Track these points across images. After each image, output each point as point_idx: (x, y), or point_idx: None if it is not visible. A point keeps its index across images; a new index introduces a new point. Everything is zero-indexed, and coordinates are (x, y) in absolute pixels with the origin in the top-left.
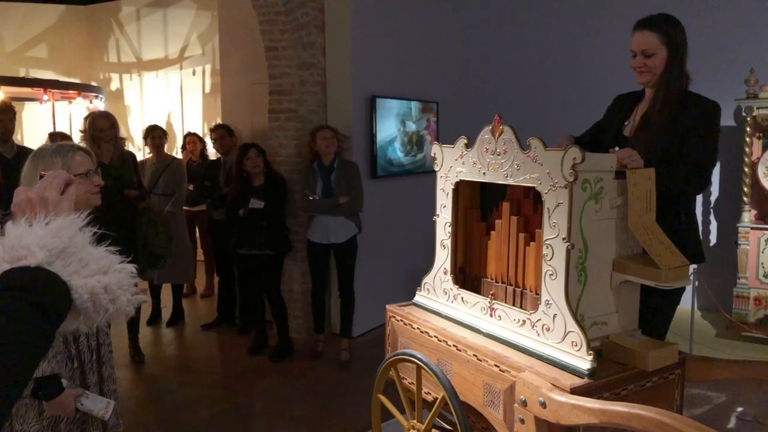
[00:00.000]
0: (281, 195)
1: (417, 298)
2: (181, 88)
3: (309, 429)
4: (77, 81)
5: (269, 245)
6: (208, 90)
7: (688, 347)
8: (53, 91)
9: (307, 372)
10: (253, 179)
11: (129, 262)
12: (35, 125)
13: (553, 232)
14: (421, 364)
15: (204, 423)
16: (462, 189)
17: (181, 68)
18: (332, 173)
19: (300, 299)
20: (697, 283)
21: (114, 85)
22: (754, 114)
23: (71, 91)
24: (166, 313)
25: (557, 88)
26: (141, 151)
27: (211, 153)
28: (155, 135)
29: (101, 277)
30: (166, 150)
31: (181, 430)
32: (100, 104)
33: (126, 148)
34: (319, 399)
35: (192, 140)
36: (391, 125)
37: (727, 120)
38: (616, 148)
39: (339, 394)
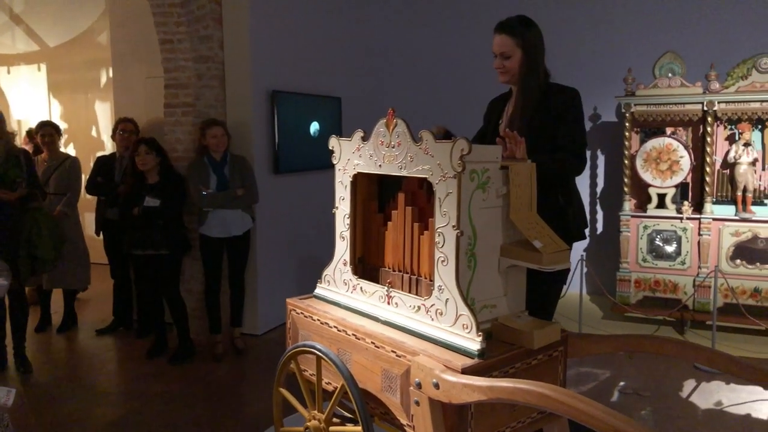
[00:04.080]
0: (178, 192)
1: (318, 291)
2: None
3: (212, 429)
4: None
5: (166, 245)
6: (102, 83)
7: (577, 328)
8: None
9: (209, 373)
10: (147, 176)
11: (10, 267)
12: None
13: (444, 220)
14: (320, 354)
15: (99, 431)
16: (360, 181)
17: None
18: (224, 167)
19: (200, 299)
20: (586, 269)
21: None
22: (632, 110)
23: None
24: (57, 318)
25: (458, 83)
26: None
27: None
28: (45, 132)
29: None
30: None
31: None
32: None
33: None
34: (222, 399)
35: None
36: (303, 120)
37: (608, 116)
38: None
39: (243, 393)
